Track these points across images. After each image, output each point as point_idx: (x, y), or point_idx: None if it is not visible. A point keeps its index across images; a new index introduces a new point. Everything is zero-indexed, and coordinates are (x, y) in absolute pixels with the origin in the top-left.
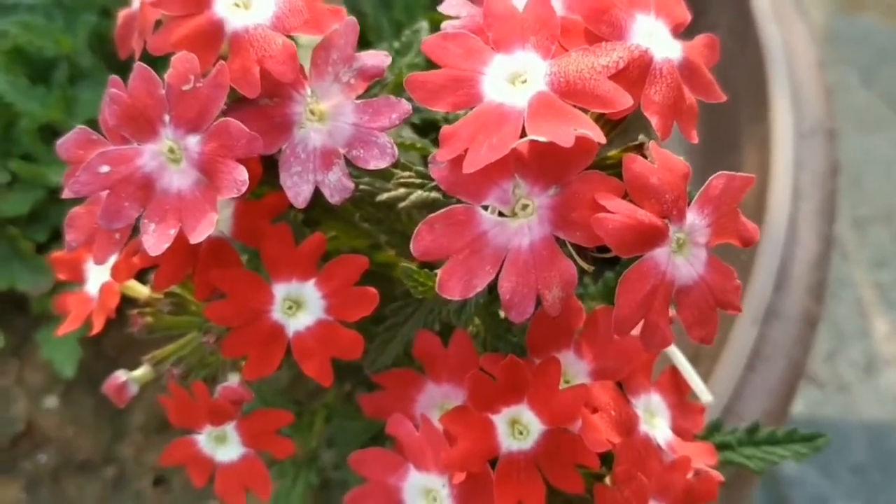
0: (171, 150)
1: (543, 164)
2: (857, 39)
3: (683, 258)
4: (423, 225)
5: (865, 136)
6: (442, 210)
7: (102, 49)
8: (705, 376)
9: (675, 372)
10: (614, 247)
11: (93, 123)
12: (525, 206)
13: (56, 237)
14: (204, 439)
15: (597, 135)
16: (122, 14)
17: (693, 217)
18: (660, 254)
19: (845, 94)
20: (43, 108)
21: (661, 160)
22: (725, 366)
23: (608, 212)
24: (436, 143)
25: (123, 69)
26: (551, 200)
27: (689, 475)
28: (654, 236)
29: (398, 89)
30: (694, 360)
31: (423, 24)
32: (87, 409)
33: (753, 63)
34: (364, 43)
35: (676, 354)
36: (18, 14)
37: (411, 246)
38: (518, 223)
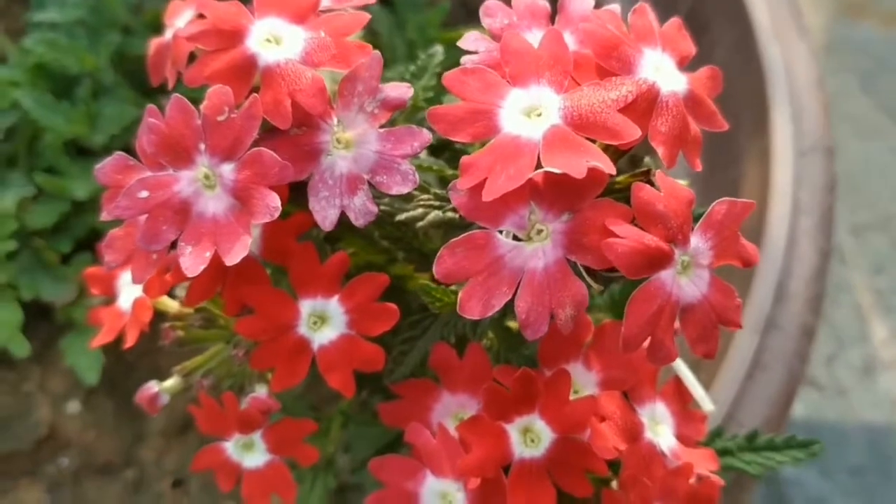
0: (207, 177)
1: (557, 192)
2: (857, 47)
3: (688, 279)
4: (445, 249)
5: (864, 142)
6: (462, 235)
7: (124, 66)
8: (707, 384)
9: (678, 382)
10: (623, 269)
11: (115, 139)
12: (540, 231)
13: (79, 248)
14: (232, 446)
15: (607, 166)
16: (153, 43)
17: (697, 240)
18: (666, 275)
19: (845, 101)
20: (67, 123)
21: (667, 188)
22: (727, 374)
23: (618, 237)
24: (450, 161)
25: (144, 86)
26: (564, 226)
27: (692, 480)
28: (660, 259)
29: (414, 111)
30: (696, 368)
31: (438, 49)
32: (108, 414)
33: (755, 81)
34: None
35: (680, 365)
36: (42, 32)
37: (434, 269)
38: (533, 247)
